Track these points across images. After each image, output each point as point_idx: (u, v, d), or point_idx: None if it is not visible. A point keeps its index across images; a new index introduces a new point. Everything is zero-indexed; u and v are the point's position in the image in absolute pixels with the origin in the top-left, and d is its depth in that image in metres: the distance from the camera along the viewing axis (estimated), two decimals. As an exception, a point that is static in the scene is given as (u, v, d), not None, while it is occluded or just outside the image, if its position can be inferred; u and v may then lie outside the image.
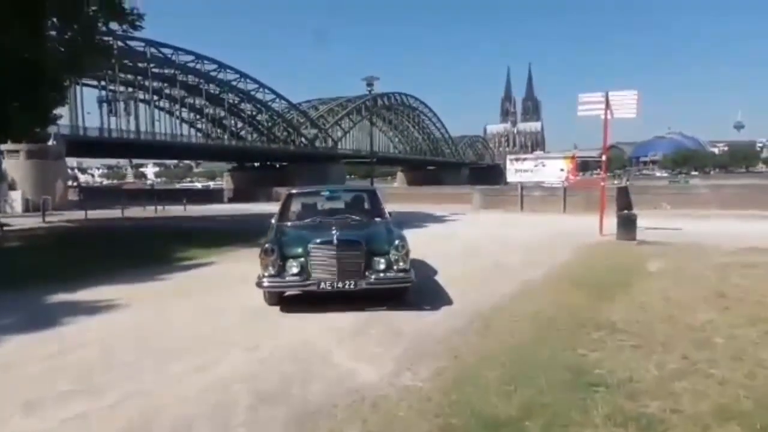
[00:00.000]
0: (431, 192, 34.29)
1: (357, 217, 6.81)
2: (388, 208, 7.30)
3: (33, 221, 18.61)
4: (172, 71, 69.82)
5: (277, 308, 5.95)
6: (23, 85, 15.87)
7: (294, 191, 7.74)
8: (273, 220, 6.90)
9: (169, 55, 68.74)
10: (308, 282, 5.59)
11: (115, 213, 21.04)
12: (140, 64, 66.29)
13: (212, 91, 75.82)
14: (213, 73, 74.43)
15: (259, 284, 5.69)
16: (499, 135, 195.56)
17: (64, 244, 12.31)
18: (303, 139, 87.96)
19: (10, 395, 3.70)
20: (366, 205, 7.44)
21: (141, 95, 69.11)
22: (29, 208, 21.90)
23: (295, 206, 7.31)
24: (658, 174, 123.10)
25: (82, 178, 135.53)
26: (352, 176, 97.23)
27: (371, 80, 17.52)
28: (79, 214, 20.57)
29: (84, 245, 12.14)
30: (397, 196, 31.51)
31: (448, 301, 6.24)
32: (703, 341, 4.59)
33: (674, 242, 10.68)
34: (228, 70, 75.48)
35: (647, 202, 19.41)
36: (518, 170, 21.63)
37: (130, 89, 67.31)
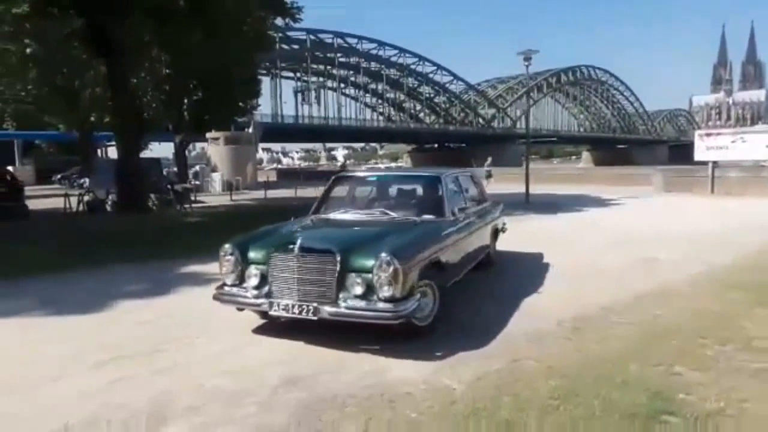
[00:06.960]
0: (611, 173, 31.25)
1: (394, 214, 5.18)
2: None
3: (224, 199, 21.41)
4: (356, 60, 74.38)
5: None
6: (219, 84, 18.55)
7: (341, 175, 6.53)
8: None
9: (354, 44, 73.27)
10: (262, 301, 4.20)
11: (291, 192, 23.12)
12: (329, 55, 71.91)
13: (393, 76, 79.18)
14: (393, 59, 77.48)
15: (215, 295, 4.51)
16: (709, 107, 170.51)
17: (229, 220, 13.85)
18: (480, 120, 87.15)
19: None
20: (420, 197, 5.86)
21: (330, 84, 75.23)
22: (225, 187, 25.26)
23: (336, 193, 6.00)
24: None
25: (284, 161, 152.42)
26: (533, 156, 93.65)
27: (529, 54, 16.31)
28: (261, 194, 23.11)
29: (245, 221, 13.51)
30: (570, 177, 29.38)
31: (554, 295, 5.60)
32: None
33: None
34: (407, 55, 77.97)
35: None
36: (710, 147, 18.51)
37: (321, 79, 73.60)
